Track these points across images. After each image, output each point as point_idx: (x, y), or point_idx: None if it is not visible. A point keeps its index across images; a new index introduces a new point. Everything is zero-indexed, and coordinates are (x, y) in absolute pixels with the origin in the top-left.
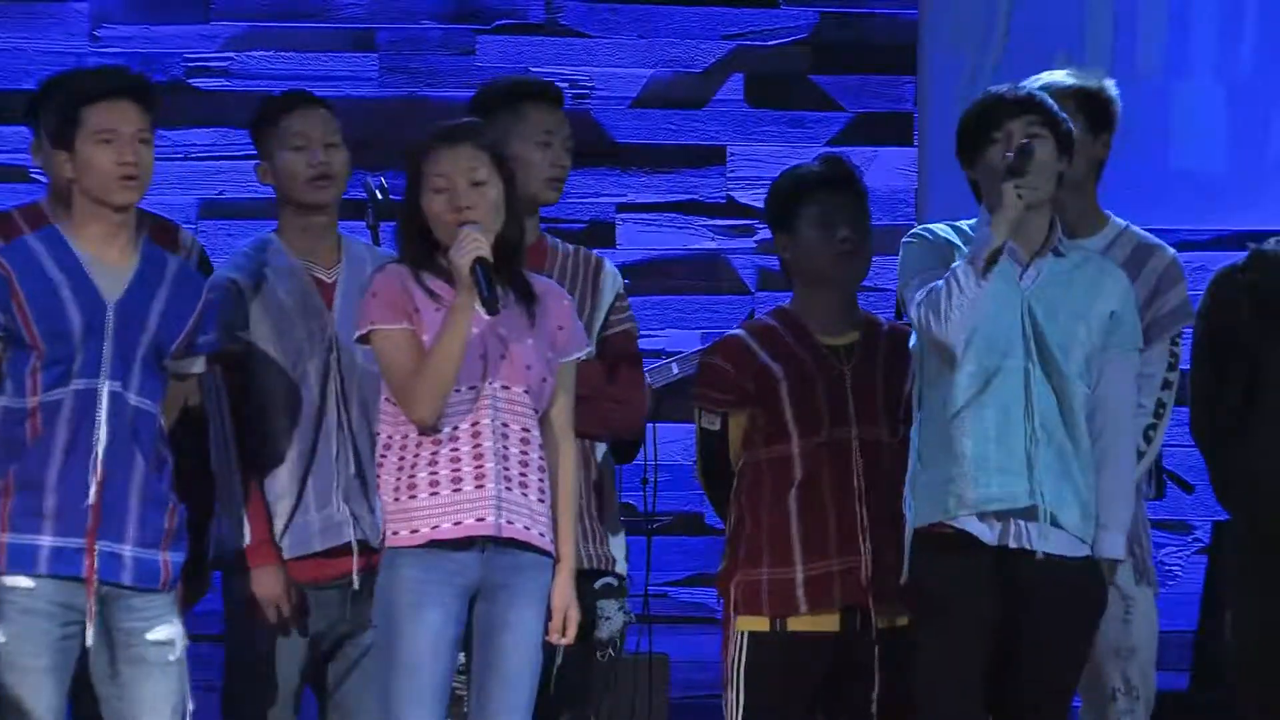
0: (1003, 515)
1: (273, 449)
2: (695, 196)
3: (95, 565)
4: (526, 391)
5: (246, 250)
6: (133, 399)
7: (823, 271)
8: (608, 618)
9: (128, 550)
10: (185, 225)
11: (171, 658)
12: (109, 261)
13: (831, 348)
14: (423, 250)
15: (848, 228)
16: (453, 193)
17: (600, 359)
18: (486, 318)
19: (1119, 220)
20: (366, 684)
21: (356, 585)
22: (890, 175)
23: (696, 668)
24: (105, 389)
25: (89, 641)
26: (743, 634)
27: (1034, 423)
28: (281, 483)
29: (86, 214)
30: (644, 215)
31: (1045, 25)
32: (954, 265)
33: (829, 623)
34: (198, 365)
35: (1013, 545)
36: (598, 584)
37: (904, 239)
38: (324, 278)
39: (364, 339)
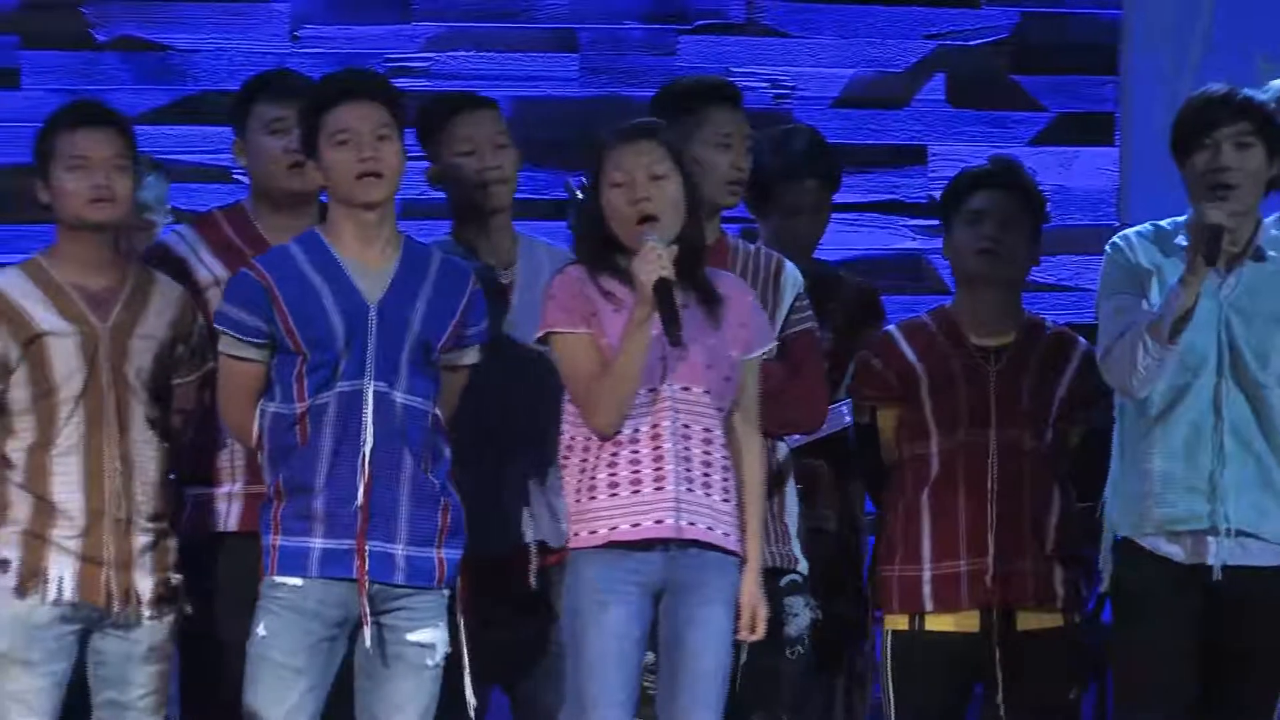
0: (1193, 533)
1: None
2: (896, 196)
3: (366, 566)
4: (707, 392)
5: None
6: (400, 398)
7: (967, 270)
8: (795, 614)
9: (400, 549)
10: None
11: (430, 661)
12: (369, 263)
13: (982, 348)
14: (601, 250)
15: (993, 226)
16: (630, 186)
17: (781, 359)
18: None
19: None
20: (551, 685)
21: (535, 586)
22: (1091, 175)
23: None
24: (370, 390)
25: (367, 643)
26: (888, 631)
27: (1223, 439)
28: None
29: (340, 217)
30: (845, 215)
31: (1247, 24)
32: (1143, 326)
33: (969, 622)
34: (469, 356)
35: (1207, 562)
36: (783, 581)
37: (1107, 245)
38: (500, 278)
39: (543, 340)
